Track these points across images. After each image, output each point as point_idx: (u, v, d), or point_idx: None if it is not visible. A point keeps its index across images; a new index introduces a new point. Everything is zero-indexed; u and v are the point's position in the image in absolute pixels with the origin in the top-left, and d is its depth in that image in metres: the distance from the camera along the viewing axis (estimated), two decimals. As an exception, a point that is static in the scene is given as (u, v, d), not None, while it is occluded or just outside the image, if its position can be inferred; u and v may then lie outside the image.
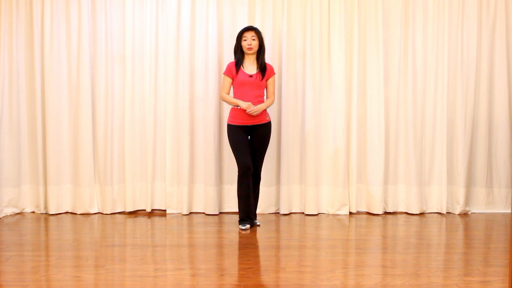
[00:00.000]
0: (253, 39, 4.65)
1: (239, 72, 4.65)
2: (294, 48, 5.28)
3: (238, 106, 4.58)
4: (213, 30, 5.23)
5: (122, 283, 3.34)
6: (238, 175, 4.64)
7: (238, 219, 4.77)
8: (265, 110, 4.66)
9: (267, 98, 4.73)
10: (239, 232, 4.61)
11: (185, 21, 5.25)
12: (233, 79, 4.68)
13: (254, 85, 4.62)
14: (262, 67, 4.68)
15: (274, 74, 4.78)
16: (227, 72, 4.71)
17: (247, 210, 4.67)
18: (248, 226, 4.67)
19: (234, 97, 4.68)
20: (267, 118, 4.69)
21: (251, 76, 4.64)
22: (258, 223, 4.81)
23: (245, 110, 4.53)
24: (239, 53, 4.69)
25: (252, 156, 4.67)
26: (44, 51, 5.18)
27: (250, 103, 4.55)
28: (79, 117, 5.24)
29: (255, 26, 4.89)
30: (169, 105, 5.28)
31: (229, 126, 4.68)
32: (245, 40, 4.65)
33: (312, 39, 5.27)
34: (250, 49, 4.63)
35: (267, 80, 4.71)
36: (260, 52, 4.70)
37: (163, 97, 5.31)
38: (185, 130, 5.26)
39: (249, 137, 4.70)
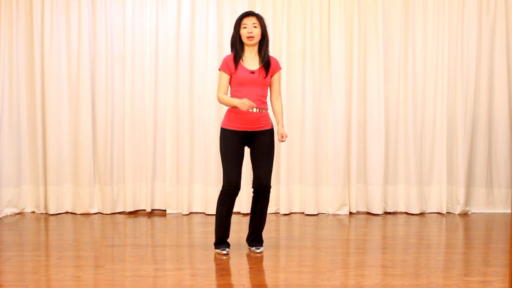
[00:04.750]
0: (255, 27, 3.81)
1: (238, 67, 3.82)
2: (294, 48, 5.28)
3: (237, 107, 3.74)
4: (213, 30, 5.23)
5: (122, 283, 3.34)
6: (221, 192, 3.87)
7: (214, 242, 4.01)
8: (268, 114, 3.91)
9: (271, 99, 3.96)
10: (239, 232, 4.60)
11: (185, 21, 5.25)
12: (231, 76, 3.85)
13: (256, 83, 3.81)
14: (266, 62, 3.85)
15: (280, 69, 3.95)
16: (224, 67, 3.85)
17: (226, 233, 3.97)
18: (228, 250, 3.95)
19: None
20: (270, 124, 3.93)
21: (252, 72, 3.81)
22: (258, 250, 3.99)
23: (247, 110, 3.72)
24: (238, 44, 3.86)
25: (257, 168, 3.89)
26: (44, 51, 5.18)
27: (248, 100, 3.69)
28: (79, 117, 5.24)
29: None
30: (169, 105, 5.28)
31: (223, 130, 3.87)
32: (244, 27, 3.82)
33: (312, 39, 5.27)
34: (250, 38, 3.80)
35: (271, 76, 3.90)
36: (263, 43, 3.87)
37: (163, 97, 5.31)
38: (185, 130, 5.26)
39: (245, 147, 3.92)
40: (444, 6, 5.30)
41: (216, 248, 3.97)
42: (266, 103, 3.90)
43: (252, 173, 3.94)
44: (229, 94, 3.91)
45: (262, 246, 4.05)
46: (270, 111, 4.08)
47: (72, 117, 5.27)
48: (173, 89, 5.28)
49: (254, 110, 3.81)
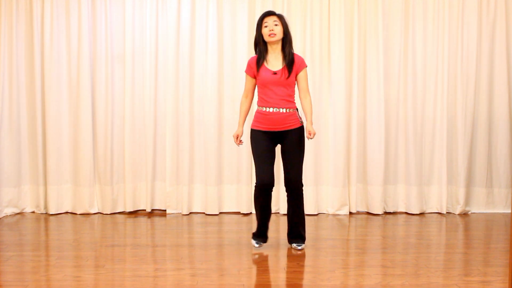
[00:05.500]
0: (276, 25, 3.84)
1: (262, 69, 3.87)
2: (294, 48, 5.26)
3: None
4: (213, 30, 5.23)
5: (122, 283, 3.34)
6: (254, 189, 3.95)
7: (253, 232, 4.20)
8: (297, 112, 3.93)
9: (300, 97, 3.95)
10: (239, 232, 4.60)
11: (185, 21, 5.25)
12: (255, 78, 3.93)
13: (279, 83, 3.84)
14: (289, 61, 3.87)
15: (306, 66, 3.94)
16: (248, 70, 3.95)
17: (262, 227, 4.08)
18: (261, 244, 4.10)
19: (258, 99, 3.95)
20: (300, 122, 3.93)
21: (275, 73, 3.85)
22: (299, 247, 4.04)
23: (268, 113, 3.86)
24: (261, 45, 3.89)
25: (286, 167, 3.95)
26: (44, 51, 5.18)
27: (234, 138, 3.99)
28: (79, 117, 5.24)
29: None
30: (169, 105, 5.28)
31: (252, 130, 3.95)
32: (266, 26, 3.84)
33: (312, 39, 5.27)
34: (272, 35, 3.82)
35: (297, 74, 3.90)
36: (285, 41, 3.90)
37: (163, 97, 5.31)
38: (185, 130, 5.26)
39: (277, 145, 3.99)
40: (444, 6, 5.30)
41: (252, 237, 4.15)
42: (292, 102, 3.91)
43: (283, 172, 4.01)
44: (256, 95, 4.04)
45: (303, 243, 4.08)
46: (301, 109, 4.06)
47: (72, 117, 5.27)
48: (173, 89, 5.28)
49: (276, 110, 3.85)
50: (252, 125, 3.96)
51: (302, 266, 3.69)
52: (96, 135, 5.29)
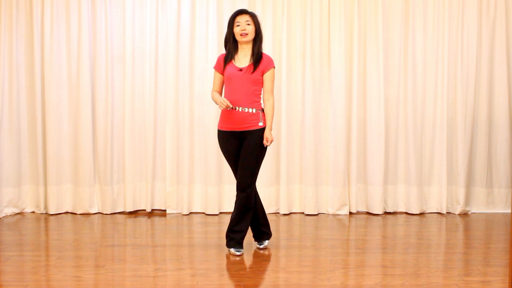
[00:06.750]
0: (248, 24, 3.82)
1: (229, 65, 3.86)
2: (294, 48, 5.28)
3: (224, 106, 3.77)
4: (213, 30, 5.23)
5: (122, 283, 3.34)
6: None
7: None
8: (259, 113, 3.84)
9: (263, 98, 3.90)
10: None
11: (185, 21, 5.25)
12: (223, 74, 3.91)
13: (243, 80, 3.80)
14: (257, 59, 3.84)
15: (273, 67, 3.87)
16: (215, 66, 3.94)
17: (232, 231, 3.94)
18: (242, 251, 3.93)
19: (223, 96, 3.91)
20: (259, 124, 3.84)
21: (240, 69, 3.82)
22: (261, 245, 4.10)
23: (231, 112, 3.81)
24: (232, 42, 3.87)
25: (239, 167, 3.88)
26: (44, 51, 5.18)
27: (225, 100, 3.76)
28: (79, 117, 5.24)
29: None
30: (169, 105, 5.28)
31: (218, 132, 3.95)
32: (238, 25, 3.83)
33: (312, 39, 5.27)
34: (244, 35, 3.81)
35: (263, 74, 3.85)
36: (257, 40, 3.88)
37: (163, 97, 5.31)
38: (185, 130, 5.26)
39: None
40: (444, 6, 5.30)
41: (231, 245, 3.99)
42: (257, 102, 3.88)
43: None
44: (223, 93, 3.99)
45: (264, 240, 4.13)
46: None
47: (72, 117, 5.27)
48: (173, 89, 5.28)
49: (238, 109, 3.81)
50: (218, 125, 3.95)
51: (302, 266, 3.69)
52: (96, 135, 5.29)
